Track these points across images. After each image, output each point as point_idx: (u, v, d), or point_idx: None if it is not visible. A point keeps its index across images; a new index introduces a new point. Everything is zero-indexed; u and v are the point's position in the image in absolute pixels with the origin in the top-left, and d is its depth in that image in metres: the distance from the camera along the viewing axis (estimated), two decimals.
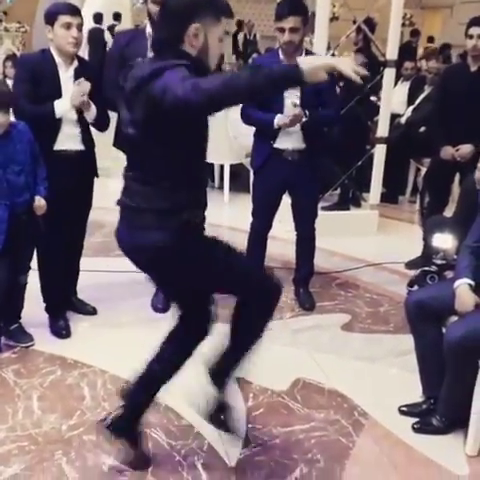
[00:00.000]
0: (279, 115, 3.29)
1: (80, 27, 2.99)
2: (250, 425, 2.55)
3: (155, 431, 2.48)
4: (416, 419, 2.59)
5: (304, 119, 3.28)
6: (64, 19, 2.94)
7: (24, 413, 2.56)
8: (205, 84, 1.71)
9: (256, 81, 1.71)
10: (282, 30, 3.23)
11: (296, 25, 3.21)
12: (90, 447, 2.37)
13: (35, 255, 3.14)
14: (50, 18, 2.98)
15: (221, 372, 2.28)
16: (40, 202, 2.91)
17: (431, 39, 10.81)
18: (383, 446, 2.47)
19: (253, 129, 3.58)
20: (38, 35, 3.21)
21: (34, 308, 3.20)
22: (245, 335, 2.22)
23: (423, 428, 2.55)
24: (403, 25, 11.46)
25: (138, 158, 2.01)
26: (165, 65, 1.81)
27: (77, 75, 3.04)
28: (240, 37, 14.19)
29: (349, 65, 1.77)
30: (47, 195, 2.94)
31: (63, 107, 2.97)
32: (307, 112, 3.29)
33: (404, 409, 2.66)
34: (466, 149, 3.88)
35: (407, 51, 8.09)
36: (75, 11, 2.99)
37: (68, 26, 2.94)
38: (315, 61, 1.75)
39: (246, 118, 3.44)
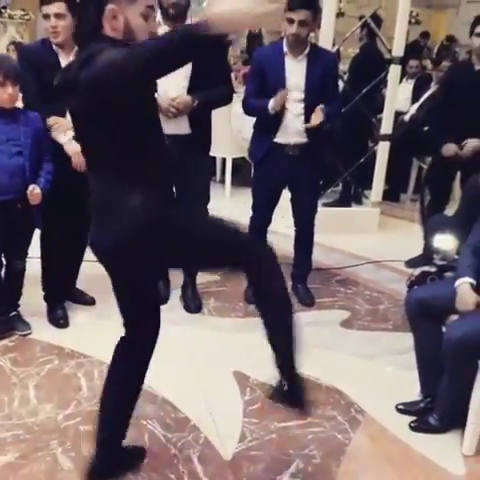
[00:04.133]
0: (273, 99, 3.23)
1: (59, 15, 2.89)
2: (246, 419, 2.54)
3: (151, 423, 2.47)
4: (413, 417, 2.58)
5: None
6: (43, 10, 2.92)
7: (20, 402, 2.56)
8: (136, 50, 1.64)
9: (175, 40, 1.58)
10: (291, 21, 3.18)
11: (306, 18, 3.17)
12: (86, 437, 2.35)
13: (38, 243, 3.13)
14: (40, 9, 2.96)
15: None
16: (34, 190, 2.83)
17: (450, 38, 10.74)
18: (379, 443, 2.46)
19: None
20: (42, 23, 3.17)
21: (33, 297, 3.19)
22: (273, 314, 2.13)
23: (420, 426, 2.54)
24: (409, 23, 11.45)
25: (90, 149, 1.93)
26: (92, 52, 1.73)
27: None
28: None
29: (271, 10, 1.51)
30: (49, 189, 2.91)
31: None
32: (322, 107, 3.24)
33: (401, 407, 2.65)
34: (472, 143, 3.83)
35: (414, 50, 8.05)
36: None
37: (46, 16, 2.92)
38: (225, 9, 1.50)
39: (246, 108, 3.43)
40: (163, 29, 3.12)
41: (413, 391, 2.66)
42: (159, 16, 3.14)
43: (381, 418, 2.61)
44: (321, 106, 3.23)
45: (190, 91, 3.10)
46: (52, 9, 2.89)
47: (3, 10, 13.13)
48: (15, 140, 2.82)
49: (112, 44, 1.76)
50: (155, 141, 1.93)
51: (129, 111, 1.75)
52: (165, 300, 3.49)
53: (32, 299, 3.19)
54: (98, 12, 1.80)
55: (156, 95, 3.07)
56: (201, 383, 2.55)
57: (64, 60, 2.99)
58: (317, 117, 3.24)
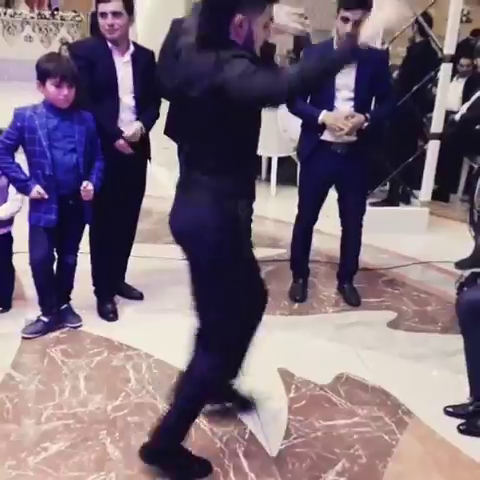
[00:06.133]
0: (325, 112, 3.24)
1: (116, 13, 2.94)
2: (291, 416, 2.54)
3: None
4: (462, 420, 2.54)
5: (366, 124, 3.23)
6: (100, 8, 2.97)
7: (71, 392, 2.62)
8: (284, 75, 1.78)
9: (325, 67, 1.82)
10: (346, 20, 3.12)
11: (361, 18, 3.11)
12: (134, 428, 2.40)
13: (88, 239, 3.21)
14: (96, 6, 3.02)
15: None
16: (88, 186, 2.92)
17: None
18: (427, 446, 2.43)
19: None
20: (99, 20, 3.25)
21: (84, 291, 3.27)
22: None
23: (469, 430, 2.49)
24: (460, 21, 11.19)
25: (197, 147, 2.03)
26: (224, 57, 1.81)
27: (134, 61, 3.07)
28: None
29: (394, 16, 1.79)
30: (100, 185, 2.98)
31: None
32: (368, 115, 3.24)
33: (450, 410, 2.60)
34: None
35: (465, 48, 7.89)
36: None
37: (103, 14, 2.96)
38: (372, 33, 1.82)
39: (295, 110, 3.41)
40: None
41: (461, 394, 2.61)
42: None
43: (429, 420, 2.57)
44: (363, 117, 3.23)
45: None
46: (110, 7, 2.94)
47: (55, 12, 13.47)
48: (70, 137, 2.90)
49: (236, 49, 1.87)
50: (250, 152, 2.07)
51: (245, 121, 1.93)
52: None
53: (83, 293, 3.26)
54: (227, 19, 1.88)
55: None
56: (247, 380, 2.56)
57: (118, 58, 3.04)
58: (345, 123, 3.21)
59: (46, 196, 2.86)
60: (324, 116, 3.25)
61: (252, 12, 1.88)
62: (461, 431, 2.50)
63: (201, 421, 2.46)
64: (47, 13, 13.43)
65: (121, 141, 3.06)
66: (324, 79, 1.98)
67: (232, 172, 1.98)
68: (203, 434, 2.40)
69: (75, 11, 13.37)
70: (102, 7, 2.97)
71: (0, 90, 9.22)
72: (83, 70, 2.93)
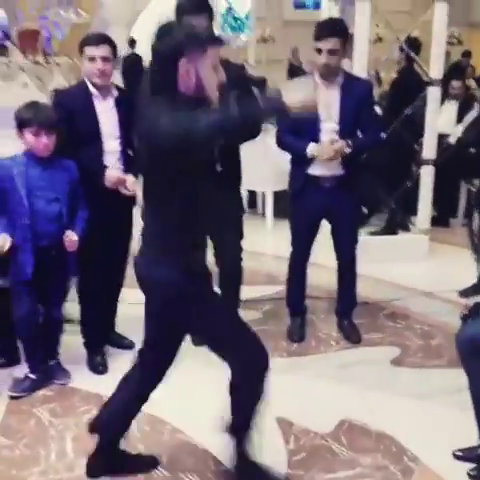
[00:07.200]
0: (312, 144, 3.17)
1: (106, 58, 2.92)
2: (291, 471, 2.40)
3: (190, 476, 2.36)
4: (473, 465, 2.38)
5: (348, 150, 3.15)
6: (88, 51, 2.92)
7: (57, 455, 2.49)
8: (199, 120, 1.80)
9: (244, 117, 1.82)
10: (320, 51, 3.10)
11: (335, 47, 3.08)
12: None
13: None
14: (79, 49, 2.97)
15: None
16: (72, 237, 2.83)
17: None
18: None
19: None
20: (85, 65, 3.24)
21: (72, 343, 3.16)
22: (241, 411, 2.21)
23: None
24: (451, 44, 11.24)
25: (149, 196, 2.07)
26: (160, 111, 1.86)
27: (118, 105, 3.01)
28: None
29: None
30: (84, 235, 2.89)
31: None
32: (350, 142, 3.16)
33: (459, 454, 2.46)
34: None
35: (456, 70, 7.88)
36: (100, 41, 2.92)
37: (91, 59, 2.91)
38: (297, 96, 1.84)
39: (280, 144, 3.35)
40: None
41: (472, 433, 2.46)
42: None
43: (437, 466, 2.42)
44: (344, 142, 3.14)
45: None
46: (100, 52, 2.90)
47: (49, 58, 13.62)
48: (52, 186, 2.83)
49: (181, 102, 1.88)
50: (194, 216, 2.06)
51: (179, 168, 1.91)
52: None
53: (72, 346, 3.16)
54: (172, 68, 1.89)
55: None
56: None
57: (99, 104, 2.98)
58: (329, 150, 3.14)
59: (6, 246, 2.74)
60: (312, 148, 3.18)
61: (195, 56, 1.87)
62: (471, 477, 2.35)
63: None
64: (41, 59, 13.58)
65: (109, 172, 2.96)
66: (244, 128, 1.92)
67: (178, 232, 2.01)
68: None
69: (68, 56, 13.50)
70: (90, 51, 2.92)
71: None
72: (63, 119, 2.87)
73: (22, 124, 2.77)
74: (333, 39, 3.06)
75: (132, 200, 3.22)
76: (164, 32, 1.95)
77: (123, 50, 10.71)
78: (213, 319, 2.09)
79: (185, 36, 1.90)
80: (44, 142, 2.76)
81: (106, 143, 3.00)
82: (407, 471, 2.40)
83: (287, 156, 3.49)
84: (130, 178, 2.94)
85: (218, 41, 1.97)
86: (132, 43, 11.21)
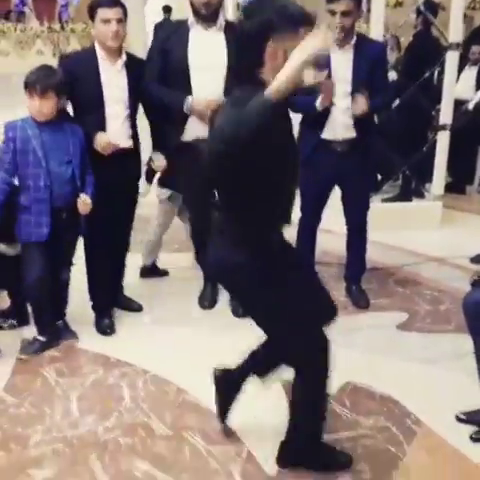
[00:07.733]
0: (321, 96, 3.06)
1: (120, 20, 2.89)
2: None
3: (192, 435, 2.38)
4: (476, 428, 2.37)
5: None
6: (102, 14, 2.87)
7: (62, 414, 2.52)
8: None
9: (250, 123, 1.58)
10: (333, 13, 3.02)
11: (349, 8, 2.99)
12: (125, 451, 2.29)
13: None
14: (90, 12, 2.92)
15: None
16: (87, 200, 2.84)
17: None
18: (437, 457, 2.27)
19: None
20: (99, 27, 3.17)
21: (81, 306, 3.20)
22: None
23: None
24: (473, 8, 10.90)
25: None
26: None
27: (127, 70, 2.98)
28: None
29: (317, 44, 1.55)
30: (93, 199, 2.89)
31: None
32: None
33: (462, 417, 2.44)
34: None
35: (478, 35, 7.64)
36: (114, 2, 2.88)
37: (106, 20, 2.86)
38: (281, 80, 1.55)
39: (291, 106, 3.27)
40: (196, 29, 3.04)
41: (476, 399, 2.45)
42: (191, 17, 3.05)
43: (440, 429, 2.41)
44: (359, 94, 3.05)
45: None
46: (114, 14, 2.86)
47: (65, 24, 13.55)
48: (65, 149, 2.82)
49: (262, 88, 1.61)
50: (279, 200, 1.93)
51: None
52: (213, 304, 3.43)
53: (80, 308, 3.18)
54: (259, 49, 1.73)
55: (190, 98, 2.99)
56: (247, 393, 2.43)
57: (106, 69, 2.94)
58: (358, 106, 3.05)
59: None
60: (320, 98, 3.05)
61: (286, 37, 1.69)
62: (474, 440, 2.34)
63: (196, 440, 2.35)
64: (57, 26, 13.52)
65: (98, 136, 2.93)
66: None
67: (260, 218, 1.89)
68: (198, 454, 2.28)
69: (85, 23, 13.41)
70: (104, 13, 2.87)
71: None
72: (67, 83, 2.84)
73: (24, 87, 2.76)
74: (346, 0, 2.99)
75: (139, 167, 3.22)
76: (252, 11, 1.76)
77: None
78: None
79: (276, 14, 1.70)
80: (35, 104, 2.73)
81: (110, 107, 2.97)
82: (409, 433, 2.39)
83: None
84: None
85: (310, 21, 1.74)
86: (167, 9, 11.11)
